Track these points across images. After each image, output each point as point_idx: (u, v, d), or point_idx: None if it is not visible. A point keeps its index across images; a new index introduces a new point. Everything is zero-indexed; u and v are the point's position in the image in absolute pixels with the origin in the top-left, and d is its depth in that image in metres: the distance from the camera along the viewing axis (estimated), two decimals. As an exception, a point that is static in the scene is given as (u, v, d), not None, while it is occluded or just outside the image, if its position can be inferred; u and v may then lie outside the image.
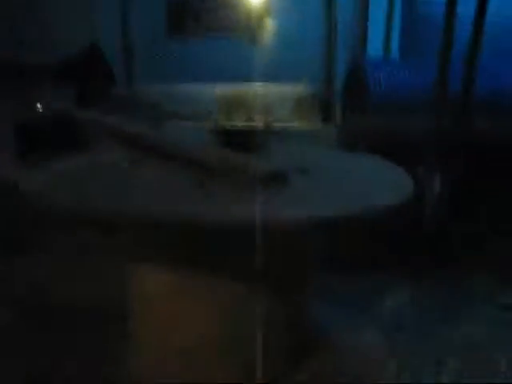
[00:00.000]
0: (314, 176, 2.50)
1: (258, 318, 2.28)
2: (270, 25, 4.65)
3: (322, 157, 2.99)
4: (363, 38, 4.65)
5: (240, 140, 3.15)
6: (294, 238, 2.34)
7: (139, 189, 2.36)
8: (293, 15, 4.57)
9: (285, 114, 4.41)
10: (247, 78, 4.23)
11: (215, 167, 2.49)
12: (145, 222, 2.07)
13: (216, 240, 2.19)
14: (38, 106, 4.15)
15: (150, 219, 2.07)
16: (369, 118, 3.91)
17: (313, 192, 2.38)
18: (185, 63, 4.61)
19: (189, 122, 4.14)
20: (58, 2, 4.54)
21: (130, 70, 4.61)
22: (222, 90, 4.44)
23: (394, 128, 3.78)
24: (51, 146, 3.84)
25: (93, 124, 3.97)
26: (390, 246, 3.39)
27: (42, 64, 4.27)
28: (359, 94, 4.06)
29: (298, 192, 2.34)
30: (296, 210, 2.12)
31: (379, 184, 2.49)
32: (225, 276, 2.31)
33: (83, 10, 4.51)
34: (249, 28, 4.63)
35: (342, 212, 2.15)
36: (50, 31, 4.49)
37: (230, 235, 2.15)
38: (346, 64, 4.42)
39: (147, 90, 4.37)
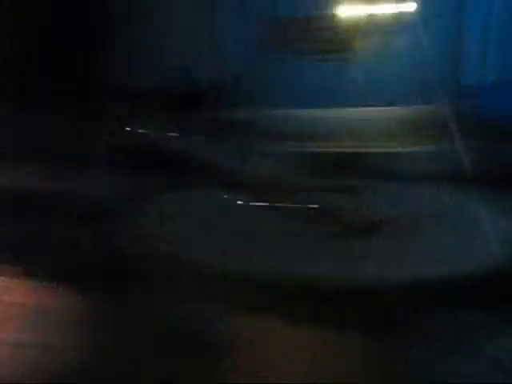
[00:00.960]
0: (424, 224, 2.26)
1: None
2: (375, 45, 4.43)
3: (433, 199, 2.76)
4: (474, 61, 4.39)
5: (346, 164, 2.97)
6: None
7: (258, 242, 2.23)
8: (402, 34, 4.35)
9: (393, 137, 4.15)
10: (352, 100, 4.05)
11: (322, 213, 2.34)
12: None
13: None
14: (131, 129, 4.08)
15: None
16: (484, 144, 3.64)
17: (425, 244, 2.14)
18: (284, 84, 4.44)
19: (289, 143, 3.99)
20: (152, 27, 4.47)
21: (226, 93, 4.48)
22: (326, 111, 4.25)
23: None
24: (141, 169, 3.78)
25: (184, 154, 3.88)
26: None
27: (136, 88, 4.23)
28: (475, 118, 3.79)
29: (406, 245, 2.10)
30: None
31: (492, 237, 2.21)
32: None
33: (177, 35, 4.42)
34: (354, 48, 4.43)
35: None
36: (145, 57, 4.43)
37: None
38: (457, 87, 4.18)
39: (243, 112, 4.24)
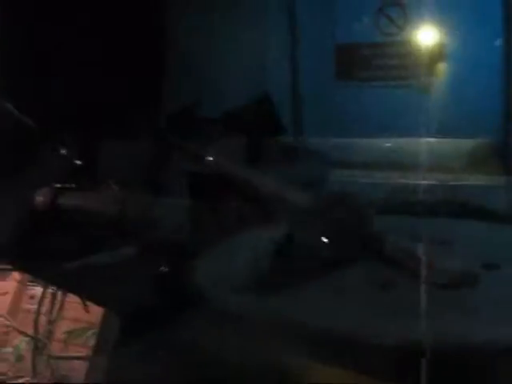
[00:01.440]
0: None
1: None
2: (443, 72, 4.38)
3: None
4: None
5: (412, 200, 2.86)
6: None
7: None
8: (469, 62, 4.29)
9: (460, 169, 4.07)
10: (418, 130, 3.99)
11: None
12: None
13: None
14: (206, 158, 4.08)
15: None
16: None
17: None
18: (354, 113, 4.41)
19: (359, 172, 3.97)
20: (221, 52, 4.48)
21: (299, 120, 4.48)
22: (393, 142, 4.21)
23: None
24: (212, 199, 3.79)
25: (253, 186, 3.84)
26: None
27: (212, 115, 4.25)
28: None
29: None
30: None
31: None
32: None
33: (253, 60, 4.44)
34: (421, 76, 4.37)
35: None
36: (219, 82, 4.44)
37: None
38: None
39: (316, 141, 4.22)
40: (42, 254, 3.21)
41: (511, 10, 4.24)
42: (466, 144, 4.25)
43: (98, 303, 2.91)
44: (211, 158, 3.99)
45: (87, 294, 2.92)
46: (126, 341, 2.81)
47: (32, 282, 3.03)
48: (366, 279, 2.47)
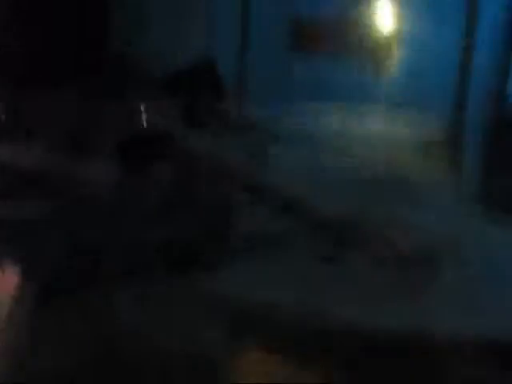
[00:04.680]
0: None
1: None
2: (397, 53, 4.28)
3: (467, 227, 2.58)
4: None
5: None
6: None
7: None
8: (424, 45, 4.20)
9: (408, 161, 3.96)
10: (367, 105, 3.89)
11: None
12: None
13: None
14: (143, 118, 3.85)
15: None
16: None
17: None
18: (303, 83, 4.25)
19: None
20: (175, 10, 4.23)
21: (244, 87, 4.28)
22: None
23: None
24: (149, 164, 3.60)
25: (196, 148, 3.71)
26: None
27: (152, 74, 4.01)
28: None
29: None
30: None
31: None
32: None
33: (200, 19, 4.21)
34: (375, 54, 4.26)
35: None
36: (163, 39, 4.19)
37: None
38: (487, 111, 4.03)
39: (259, 110, 4.05)
40: None
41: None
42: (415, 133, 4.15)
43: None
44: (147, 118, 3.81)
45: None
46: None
47: None
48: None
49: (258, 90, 4.24)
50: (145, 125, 3.81)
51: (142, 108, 3.81)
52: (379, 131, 3.98)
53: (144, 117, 3.83)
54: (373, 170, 3.68)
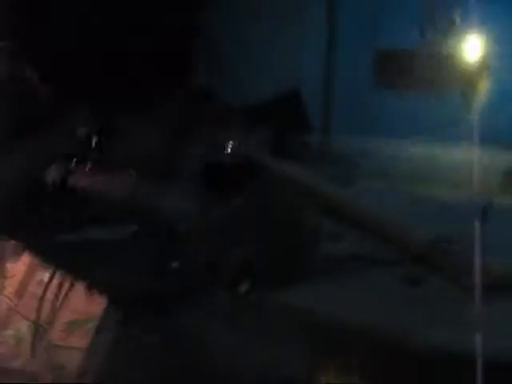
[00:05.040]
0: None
1: None
2: (487, 84, 4.19)
3: None
4: None
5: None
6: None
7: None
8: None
9: (498, 190, 3.88)
10: (459, 140, 3.82)
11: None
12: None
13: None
14: (229, 147, 3.94)
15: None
16: None
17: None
18: (391, 119, 4.23)
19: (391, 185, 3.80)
20: (264, 44, 4.31)
21: (329, 121, 4.31)
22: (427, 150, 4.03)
23: None
24: (234, 191, 3.67)
25: (284, 175, 3.75)
26: None
27: (238, 104, 4.10)
28: None
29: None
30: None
31: None
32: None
33: (287, 52, 4.27)
34: (465, 86, 4.18)
35: None
36: (251, 71, 4.29)
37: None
38: None
39: (345, 144, 4.06)
40: (38, 225, 3.10)
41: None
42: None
43: (97, 287, 2.80)
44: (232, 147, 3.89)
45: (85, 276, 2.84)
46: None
47: (41, 267, 2.94)
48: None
49: (344, 122, 4.25)
50: (231, 153, 3.90)
51: (230, 137, 3.92)
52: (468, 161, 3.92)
53: (231, 145, 3.92)
54: (463, 198, 3.63)
